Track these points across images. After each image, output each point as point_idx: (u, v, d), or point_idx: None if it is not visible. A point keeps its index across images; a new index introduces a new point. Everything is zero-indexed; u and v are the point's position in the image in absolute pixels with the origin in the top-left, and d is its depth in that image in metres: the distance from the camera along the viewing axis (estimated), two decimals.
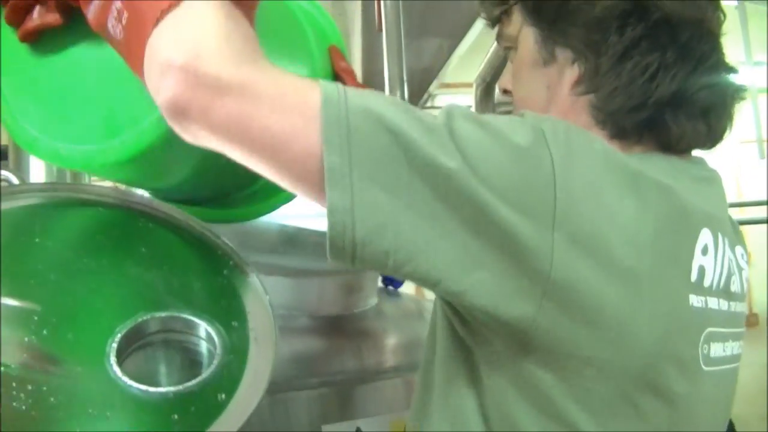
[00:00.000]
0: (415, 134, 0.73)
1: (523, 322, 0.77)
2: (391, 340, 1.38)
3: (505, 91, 1.03)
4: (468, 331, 0.85)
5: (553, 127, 0.79)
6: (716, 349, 0.88)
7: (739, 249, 0.97)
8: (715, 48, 0.93)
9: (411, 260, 0.75)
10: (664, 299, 0.81)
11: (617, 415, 0.81)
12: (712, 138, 0.94)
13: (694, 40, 0.90)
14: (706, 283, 0.86)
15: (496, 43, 2.55)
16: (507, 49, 1.03)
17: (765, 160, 4.00)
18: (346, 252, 0.74)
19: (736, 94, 0.94)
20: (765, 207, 3.89)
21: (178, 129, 0.78)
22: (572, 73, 0.93)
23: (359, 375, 1.26)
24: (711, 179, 0.95)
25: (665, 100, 0.89)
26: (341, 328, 1.32)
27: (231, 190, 1.22)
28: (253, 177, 1.19)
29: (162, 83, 0.75)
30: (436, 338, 0.92)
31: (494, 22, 1.03)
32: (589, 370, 0.79)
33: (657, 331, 0.80)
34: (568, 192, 0.76)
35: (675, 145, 0.92)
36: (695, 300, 0.84)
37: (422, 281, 0.78)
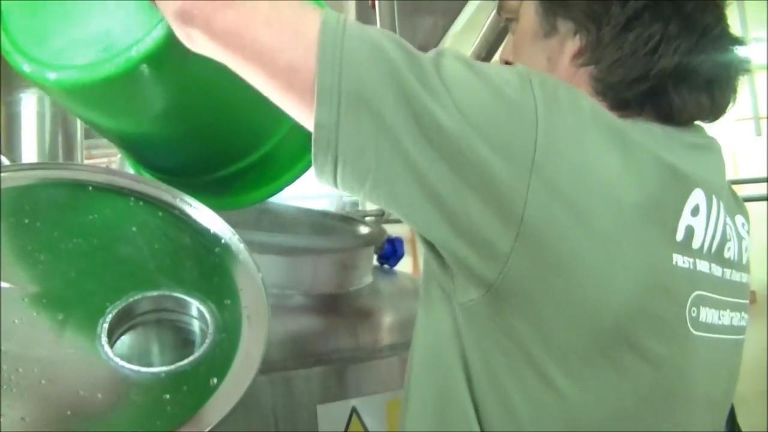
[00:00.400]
0: (405, 65, 0.76)
1: (496, 262, 0.78)
2: (387, 319, 1.37)
3: (506, 63, 1.03)
4: (447, 278, 0.86)
5: (542, 78, 0.80)
6: (708, 315, 0.87)
7: (739, 218, 0.96)
8: (720, 19, 0.92)
9: (388, 183, 0.78)
10: (643, 255, 0.80)
11: (594, 369, 0.81)
12: (715, 111, 0.93)
13: (697, 12, 0.89)
14: (695, 244, 0.85)
15: (490, 20, 2.55)
16: (508, 20, 1.03)
17: (761, 137, 3.99)
18: (328, 169, 0.78)
19: (740, 66, 0.94)
20: (762, 184, 3.89)
21: (183, 36, 0.85)
22: (573, 44, 0.92)
23: (354, 354, 1.26)
24: (706, 146, 0.94)
25: (668, 71, 0.88)
26: (336, 306, 1.32)
27: (216, 156, 1.23)
28: (235, 144, 1.21)
29: None
30: (423, 294, 0.93)
31: None
32: (563, 319, 0.79)
33: (633, 286, 0.80)
34: (550, 138, 0.77)
35: (676, 117, 0.91)
36: (680, 260, 0.83)
37: (396, 207, 0.80)
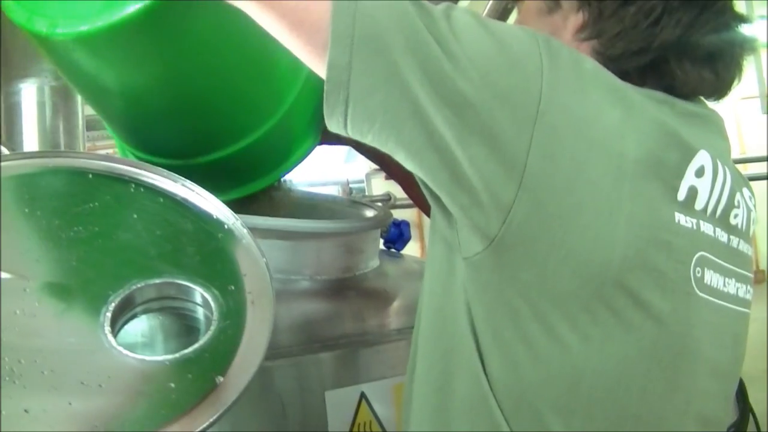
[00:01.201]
0: (417, 13, 0.77)
1: (499, 212, 0.78)
2: (394, 302, 1.36)
3: None
4: (452, 232, 0.86)
5: (547, 37, 0.82)
6: (714, 279, 0.87)
7: (746, 191, 0.96)
8: None
9: (396, 126, 0.78)
10: (644, 209, 0.81)
11: (598, 322, 0.81)
12: (719, 87, 0.94)
13: None
14: (698, 206, 0.85)
15: (491, 3, 2.54)
16: (516, 0, 1.05)
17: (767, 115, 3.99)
18: (339, 110, 0.78)
19: (745, 43, 0.93)
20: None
21: None
22: (576, 19, 0.93)
23: (362, 338, 1.25)
24: (707, 117, 0.94)
25: (669, 44, 0.88)
26: (342, 291, 1.30)
27: (213, 132, 1.23)
28: (232, 119, 1.21)
29: None
30: (429, 254, 0.94)
31: None
32: (566, 270, 0.79)
33: (634, 239, 0.80)
34: (554, 91, 0.77)
35: (679, 91, 0.91)
36: (683, 219, 0.83)
37: (404, 152, 0.80)
